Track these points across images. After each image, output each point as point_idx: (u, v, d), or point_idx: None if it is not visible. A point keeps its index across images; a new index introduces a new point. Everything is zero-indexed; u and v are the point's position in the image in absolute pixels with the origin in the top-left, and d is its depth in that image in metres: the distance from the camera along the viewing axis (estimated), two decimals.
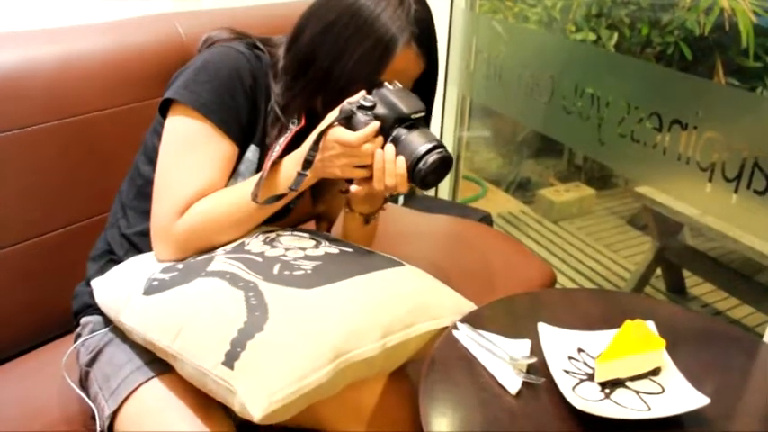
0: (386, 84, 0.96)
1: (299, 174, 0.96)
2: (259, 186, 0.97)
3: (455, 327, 0.93)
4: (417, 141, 0.92)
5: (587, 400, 0.80)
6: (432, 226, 1.62)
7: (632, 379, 0.85)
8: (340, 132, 0.93)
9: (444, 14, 1.95)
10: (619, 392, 0.83)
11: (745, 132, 1.30)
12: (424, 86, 1.04)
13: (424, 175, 0.92)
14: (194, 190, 0.98)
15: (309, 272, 0.93)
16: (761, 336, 1.18)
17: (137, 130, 1.13)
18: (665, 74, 1.53)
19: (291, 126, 1.02)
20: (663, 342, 0.86)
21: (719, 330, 1.01)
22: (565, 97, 1.68)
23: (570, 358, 0.87)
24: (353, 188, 0.96)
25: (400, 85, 0.97)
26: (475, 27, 1.95)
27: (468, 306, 1.01)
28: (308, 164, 0.96)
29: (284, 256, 0.97)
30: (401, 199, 1.99)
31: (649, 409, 0.79)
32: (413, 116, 0.94)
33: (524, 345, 0.89)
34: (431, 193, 2.14)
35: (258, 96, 1.02)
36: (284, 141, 1.00)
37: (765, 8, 2.29)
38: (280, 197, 1.00)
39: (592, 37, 2.58)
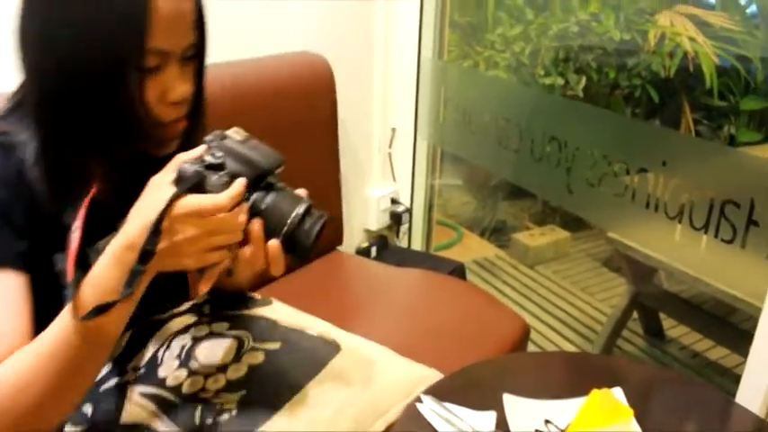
0: (227, 133, 0.75)
1: (133, 271, 0.67)
2: (77, 298, 0.67)
3: (419, 399, 0.90)
4: (288, 205, 0.74)
5: None
6: (402, 281, 1.60)
7: None
8: (195, 200, 0.67)
9: (412, 64, 1.96)
10: None
11: (710, 181, 1.30)
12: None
13: (309, 249, 0.74)
14: None
15: (234, 414, 0.83)
16: (738, 376, 1.16)
17: None
18: (630, 123, 1.54)
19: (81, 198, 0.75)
20: (630, 412, 0.83)
21: (692, 391, 0.99)
22: (533, 141, 1.68)
23: None
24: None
25: (245, 133, 0.76)
26: (443, 76, 1.96)
27: (424, 376, 0.97)
28: (148, 255, 0.67)
29: (203, 390, 0.85)
30: (373, 251, 1.96)
31: None
32: (274, 171, 0.76)
33: (490, 417, 0.86)
34: (404, 242, 2.12)
35: (25, 197, 0.76)
36: (79, 223, 0.73)
37: (727, 50, 2.35)
38: (109, 306, 0.67)
39: (560, 81, 2.62)
